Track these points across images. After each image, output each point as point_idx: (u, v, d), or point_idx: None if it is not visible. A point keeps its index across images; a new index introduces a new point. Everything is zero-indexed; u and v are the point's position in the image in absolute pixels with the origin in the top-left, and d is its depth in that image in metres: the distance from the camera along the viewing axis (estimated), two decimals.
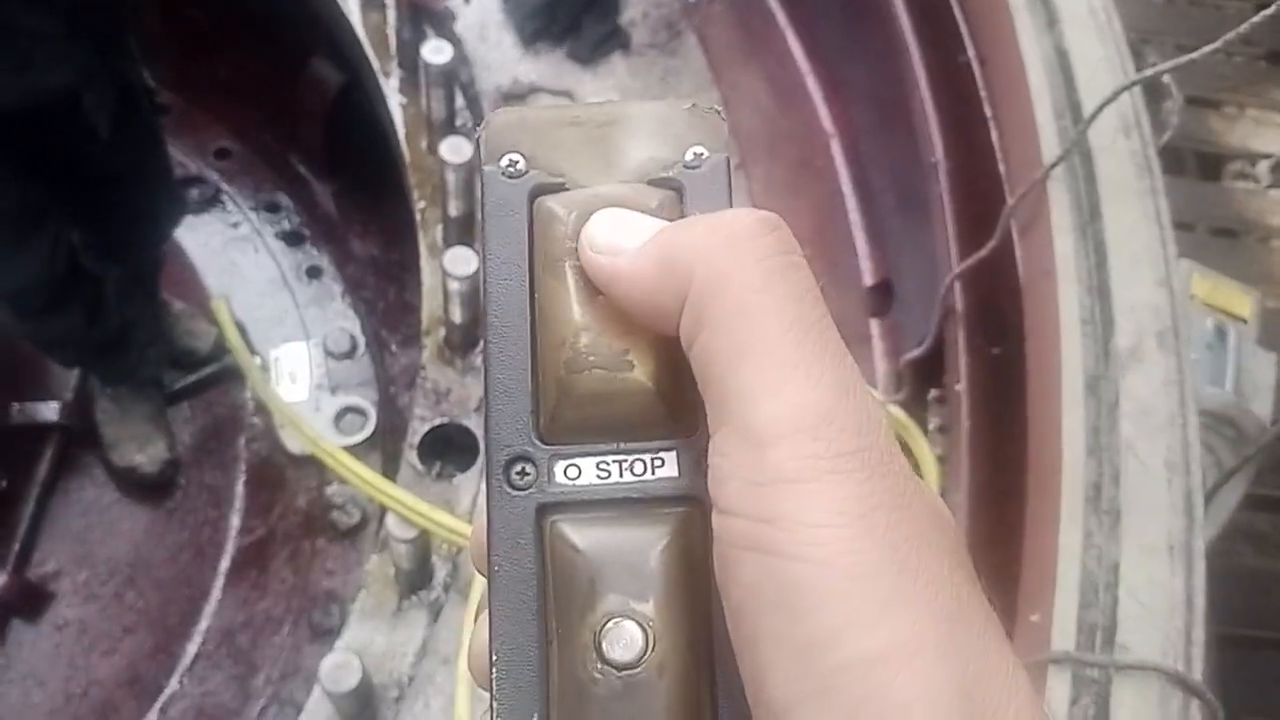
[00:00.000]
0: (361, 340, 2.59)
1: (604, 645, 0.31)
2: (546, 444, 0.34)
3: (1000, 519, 1.09)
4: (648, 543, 0.32)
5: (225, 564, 2.30)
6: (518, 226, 0.35)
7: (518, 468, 0.33)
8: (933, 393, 1.52)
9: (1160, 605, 0.87)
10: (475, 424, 1.74)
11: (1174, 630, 0.90)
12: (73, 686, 2.17)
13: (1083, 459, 0.94)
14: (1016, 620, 0.93)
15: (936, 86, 1.41)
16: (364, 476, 1.65)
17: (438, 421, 1.74)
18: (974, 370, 1.19)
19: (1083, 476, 0.93)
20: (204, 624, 2.24)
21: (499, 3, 1.93)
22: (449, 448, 1.72)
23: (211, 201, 2.66)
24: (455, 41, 1.89)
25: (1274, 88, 2.81)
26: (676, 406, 0.33)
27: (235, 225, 2.65)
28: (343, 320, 2.61)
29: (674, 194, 0.36)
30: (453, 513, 1.58)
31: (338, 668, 1.35)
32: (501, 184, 0.36)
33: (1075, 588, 0.89)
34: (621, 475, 0.33)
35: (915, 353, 1.38)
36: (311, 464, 2.37)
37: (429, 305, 1.82)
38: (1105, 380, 0.96)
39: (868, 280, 1.71)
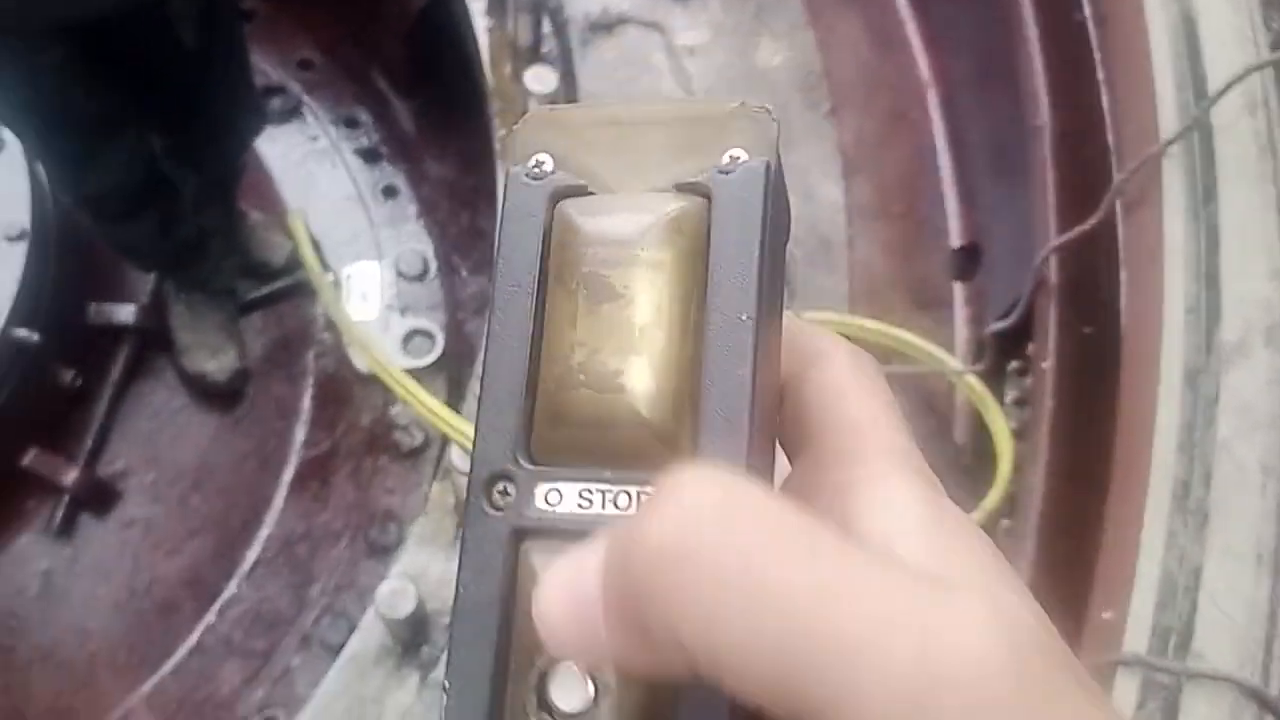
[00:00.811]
0: (433, 263, 2.59)
1: (550, 690, 0.29)
2: (533, 464, 0.31)
3: (1077, 506, 1.05)
4: None
5: (288, 475, 2.34)
6: (533, 231, 0.33)
7: (499, 486, 0.31)
8: (1013, 364, 1.48)
9: (1241, 614, 0.84)
10: None
11: (1253, 641, 0.86)
12: (136, 582, 2.23)
13: (1174, 454, 0.90)
14: (1087, 616, 0.90)
15: (1048, 44, 1.34)
16: (429, 405, 1.65)
17: None
18: (1064, 348, 1.15)
19: (1172, 472, 0.89)
20: (265, 532, 2.29)
21: None
22: None
23: (292, 113, 2.65)
24: None
25: None
26: (671, 437, 0.30)
27: (314, 139, 2.65)
28: (415, 242, 2.61)
29: (701, 202, 0.32)
30: None
31: (394, 594, 1.37)
32: (523, 185, 0.33)
33: (1153, 588, 0.86)
34: (604, 506, 0.30)
35: (1002, 324, 1.33)
36: (378, 383, 2.39)
37: None
38: (1205, 374, 0.91)
39: (955, 241, 1.65)
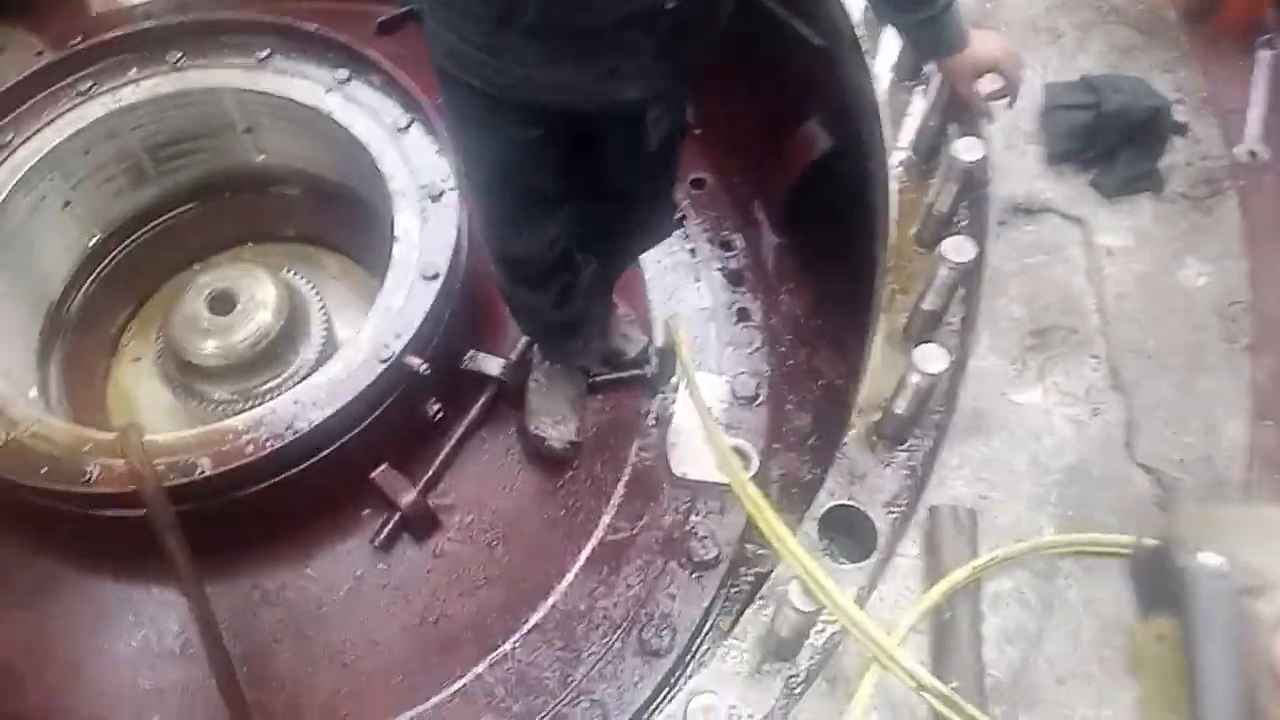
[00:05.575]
0: (765, 391, 2.64)
1: None
2: None
3: None
4: None
5: (586, 553, 2.41)
6: (1228, 630, 0.30)
7: None
8: None
9: None
10: (878, 515, 1.70)
11: None
12: (429, 612, 2.34)
13: None
14: None
15: None
16: (776, 528, 1.62)
17: (844, 501, 1.72)
18: None
19: None
20: (552, 600, 2.35)
21: (1037, 115, 1.90)
22: (844, 531, 1.70)
23: (675, 224, 2.81)
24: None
25: None
26: None
27: (690, 251, 2.80)
28: (754, 367, 2.68)
29: None
30: None
31: (706, 710, 1.37)
32: (1209, 580, 0.31)
33: None
34: None
35: None
36: (684, 487, 2.44)
37: (873, 387, 1.81)
38: None
39: None
